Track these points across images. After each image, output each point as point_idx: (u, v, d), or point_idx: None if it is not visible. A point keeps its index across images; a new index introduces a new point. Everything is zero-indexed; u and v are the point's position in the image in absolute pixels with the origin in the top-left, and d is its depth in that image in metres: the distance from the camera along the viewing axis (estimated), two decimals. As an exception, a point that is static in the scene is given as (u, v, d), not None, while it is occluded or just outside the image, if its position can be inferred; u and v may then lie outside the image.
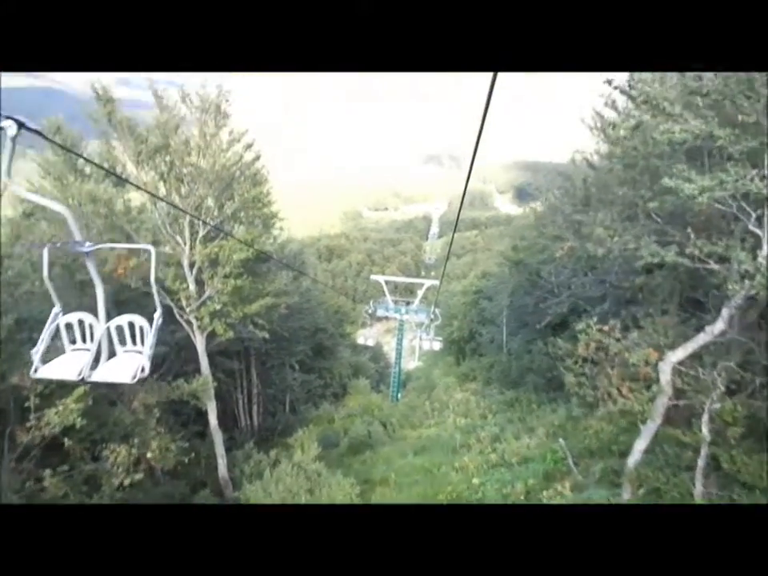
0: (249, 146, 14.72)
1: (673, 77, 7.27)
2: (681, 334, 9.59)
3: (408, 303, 30.74)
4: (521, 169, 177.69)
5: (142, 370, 4.33)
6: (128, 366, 4.43)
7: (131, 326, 4.64)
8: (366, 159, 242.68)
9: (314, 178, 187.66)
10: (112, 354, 4.55)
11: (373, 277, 32.16)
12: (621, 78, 8.91)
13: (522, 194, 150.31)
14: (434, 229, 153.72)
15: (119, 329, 4.60)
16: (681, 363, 8.87)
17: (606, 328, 9.68)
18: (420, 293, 29.57)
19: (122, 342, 4.65)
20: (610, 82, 8.56)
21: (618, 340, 9.63)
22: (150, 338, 4.48)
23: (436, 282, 28.15)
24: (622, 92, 8.49)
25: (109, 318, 4.44)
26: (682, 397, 9.01)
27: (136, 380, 4.29)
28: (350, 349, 41.51)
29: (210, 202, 14.67)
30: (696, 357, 8.91)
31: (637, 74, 8.01)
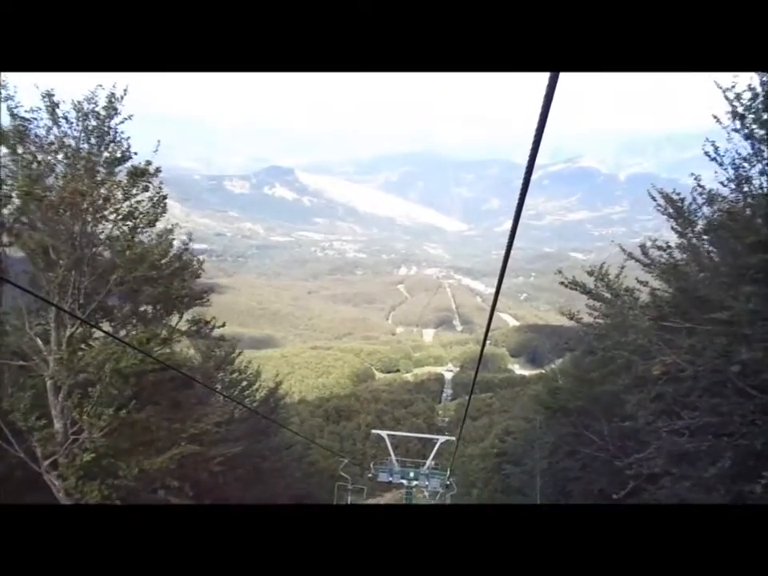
0: (146, 186, 9.27)
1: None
2: None
3: (418, 466, 24.95)
4: (533, 331, 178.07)
5: None
6: None
7: None
8: (379, 322, 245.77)
9: (325, 342, 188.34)
10: None
11: (374, 431, 26.63)
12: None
13: (535, 356, 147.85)
14: (448, 391, 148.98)
15: None
16: None
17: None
18: (432, 453, 23.77)
19: None
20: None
21: None
22: None
23: (451, 438, 24.13)
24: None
25: None
26: None
27: None
28: (350, 525, 33.77)
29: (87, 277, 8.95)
30: None
31: None
